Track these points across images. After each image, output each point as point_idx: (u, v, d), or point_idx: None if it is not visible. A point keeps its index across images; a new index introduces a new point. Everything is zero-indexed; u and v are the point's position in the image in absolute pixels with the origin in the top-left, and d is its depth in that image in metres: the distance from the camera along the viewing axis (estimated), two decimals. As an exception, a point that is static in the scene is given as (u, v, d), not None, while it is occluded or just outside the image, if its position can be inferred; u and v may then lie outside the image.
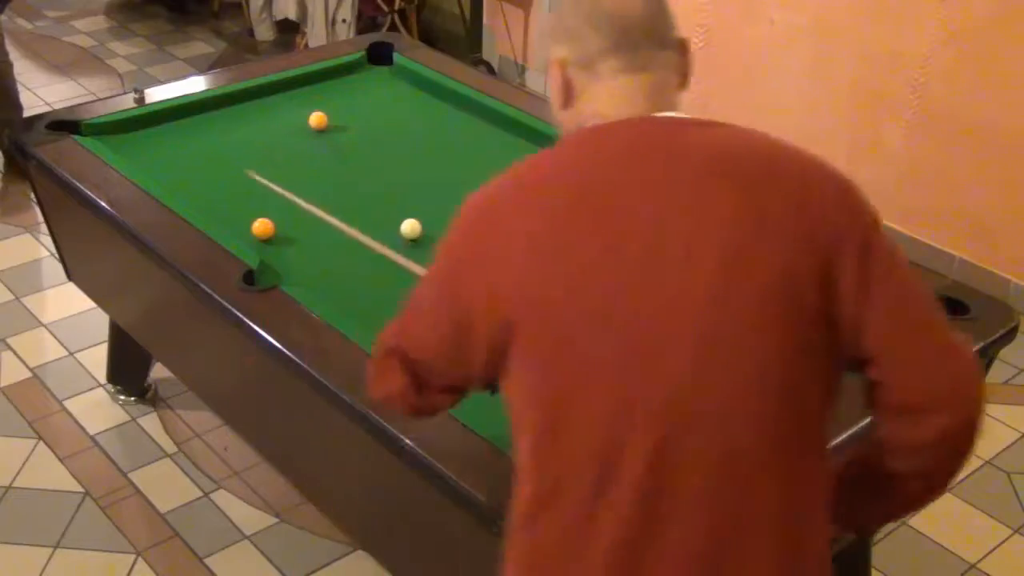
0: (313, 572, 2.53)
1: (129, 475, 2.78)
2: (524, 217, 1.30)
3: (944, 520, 2.76)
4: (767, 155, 1.32)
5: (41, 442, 2.89)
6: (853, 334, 1.26)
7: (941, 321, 1.32)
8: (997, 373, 3.25)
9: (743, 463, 1.25)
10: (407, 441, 1.73)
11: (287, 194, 2.15)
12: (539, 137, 2.75)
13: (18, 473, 2.79)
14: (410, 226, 2.32)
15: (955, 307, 2.08)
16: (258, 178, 2.21)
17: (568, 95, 1.38)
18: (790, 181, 1.29)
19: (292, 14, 4.95)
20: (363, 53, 3.14)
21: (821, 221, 1.26)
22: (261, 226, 2.31)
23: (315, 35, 4.88)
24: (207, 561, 2.54)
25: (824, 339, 1.25)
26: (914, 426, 1.30)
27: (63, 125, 2.67)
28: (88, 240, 2.67)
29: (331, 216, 2.04)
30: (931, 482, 1.39)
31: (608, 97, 1.35)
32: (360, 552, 2.55)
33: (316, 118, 2.76)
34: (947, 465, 1.36)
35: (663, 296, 1.23)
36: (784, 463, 1.27)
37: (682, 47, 1.41)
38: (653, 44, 1.36)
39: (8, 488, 2.74)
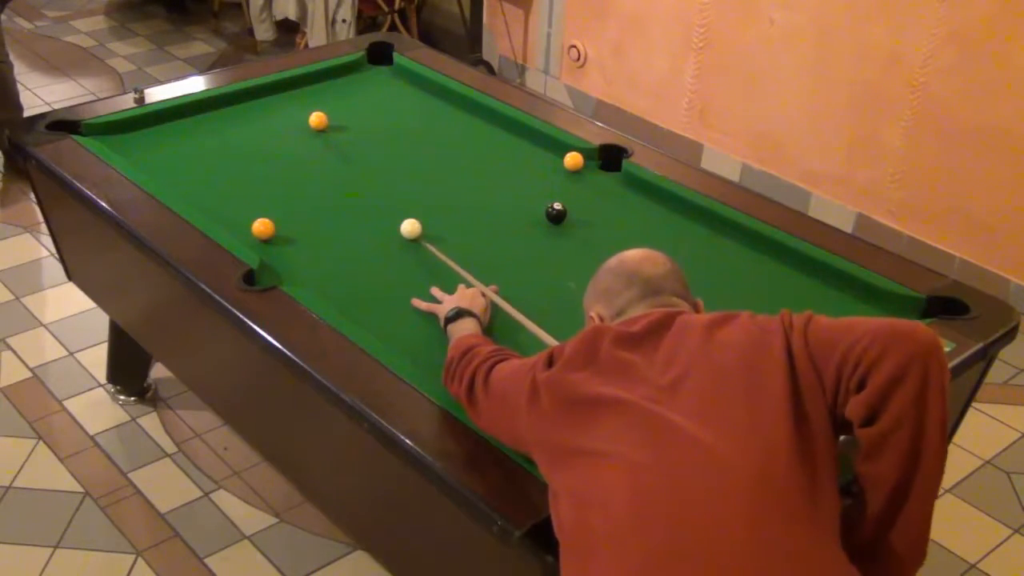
0: (313, 572, 2.53)
1: (129, 475, 2.78)
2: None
3: (944, 520, 2.76)
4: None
5: (41, 442, 2.89)
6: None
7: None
8: (997, 373, 3.26)
9: None
10: (406, 441, 1.73)
11: (458, 268, 2.17)
12: (538, 137, 2.75)
13: (18, 473, 2.79)
14: (410, 225, 2.32)
15: (955, 307, 2.08)
16: (431, 248, 2.25)
17: None
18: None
19: (292, 14, 4.95)
20: (363, 53, 3.14)
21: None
22: (261, 226, 2.31)
23: (315, 35, 4.88)
24: (207, 561, 2.54)
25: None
26: (877, 372, 1.40)
27: (63, 125, 2.67)
28: (88, 240, 2.67)
29: (505, 303, 2.08)
30: (914, 431, 1.42)
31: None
32: (360, 552, 2.55)
33: (316, 118, 2.76)
34: (919, 407, 1.41)
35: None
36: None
37: (696, 307, 1.74)
38: (673, 294, 1.71)
39: (8, 488, 2.74)
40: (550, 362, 1.61)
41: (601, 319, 1.71)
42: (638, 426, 1.46)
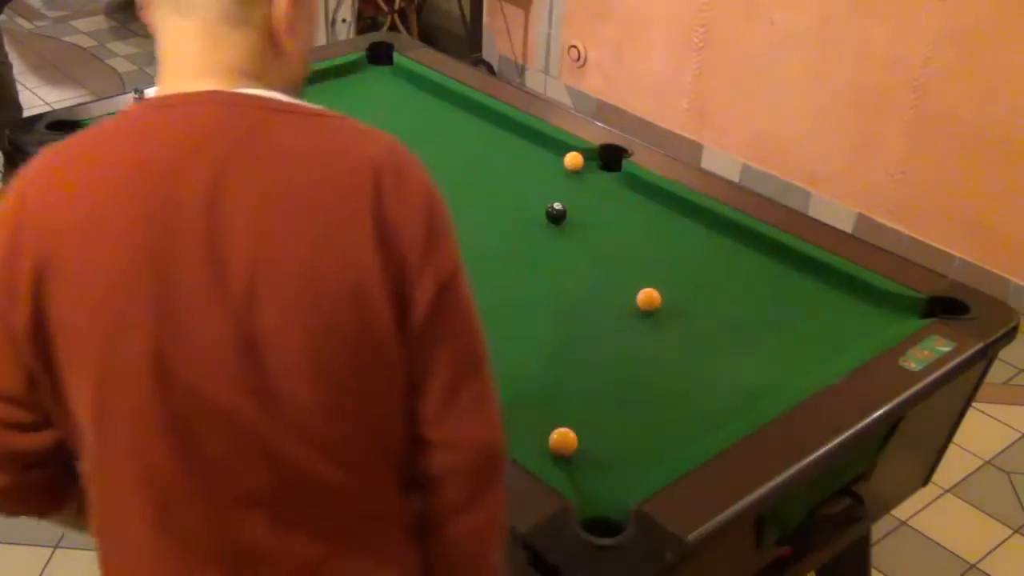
0: (313, 572, 2.52)
1: (129, 475, 2.78)
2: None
3: (944, 520, 2.76)
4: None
5: (41, 442, 2.89)
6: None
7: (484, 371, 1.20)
8: (997, 373, 3.26)
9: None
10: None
11: None
12: (538, 137, 2.75)
13: (18, 473, 2.78)
14: None
15: (955, 307, 2.08)
16: None
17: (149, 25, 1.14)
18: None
19: (292, 14, 4.95)
20: (363, 53, 3.14)
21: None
22: None
23: (315, 35, 4.88)
24: (207, 561, 2.54)
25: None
26: (436, 455, 1.18)
27: (63, 125, 2.66)
28: (88, 240, 2.66)
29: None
30: (472, 523, 1.22)
31: (165, 48, 1.12)
32: (360, 552, 2.55)
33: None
34: (475, 503, 1.21)
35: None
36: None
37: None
38: (222, 17, 1.09)
39: (8, 488, 2.74)
40: None
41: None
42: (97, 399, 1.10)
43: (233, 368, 1.06)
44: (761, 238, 2.35)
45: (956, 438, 2.20)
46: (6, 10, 4.90)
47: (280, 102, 1.11)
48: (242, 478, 1.10)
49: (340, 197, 1.07)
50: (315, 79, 3.02)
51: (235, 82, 1.10)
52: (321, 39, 4.83)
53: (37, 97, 4.70)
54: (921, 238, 3.77)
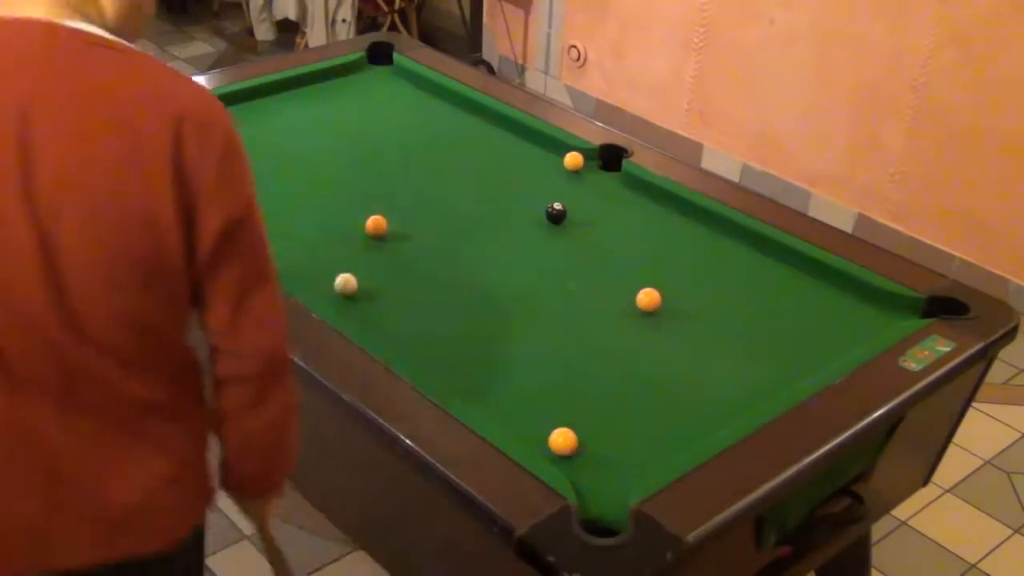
0: (313, 572, 2.52)
1: (129, 475, 2.78)
2: None
3: (944, 520, 2.76)
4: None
5: (41, 442, 2.89)
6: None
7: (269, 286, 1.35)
8: (997, 373, 3.26)
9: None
10: (407, 442, 1.73)
11: None
12: (538, 137, 2.75)
13: (18, 473, 2.78)
14: (344, 281, 2.11)
15: (955, 307, 2.08)
16: None
17: None
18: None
19: (292, 14, 4.95)
20: (363, 53, 3.14)
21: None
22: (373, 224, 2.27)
23: (315, 35, 4.88)
24: (207, 561, 2.54)
25: None
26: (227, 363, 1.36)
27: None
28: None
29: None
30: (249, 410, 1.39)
31: None
32: (360, 552, 2.55)
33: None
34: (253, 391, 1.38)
35: None
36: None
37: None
38: None
39: (8, 488, 2.74)
40: None
41: None
42: None
43: (34, 274, 1.17)
44: (761, 238, 2.35)
45: (956, 438, 2.20)
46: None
47: (100, 38, 1.21)
48: (35, 371, 1.23)
49: (145, 136, 1.17)
50: (315, 79, 3.03)
51: (62, 14, 1.20)
52: (321, 39, 4.83)
53: (37, 97, 4.71)
54: (921, 238, 3.77)
